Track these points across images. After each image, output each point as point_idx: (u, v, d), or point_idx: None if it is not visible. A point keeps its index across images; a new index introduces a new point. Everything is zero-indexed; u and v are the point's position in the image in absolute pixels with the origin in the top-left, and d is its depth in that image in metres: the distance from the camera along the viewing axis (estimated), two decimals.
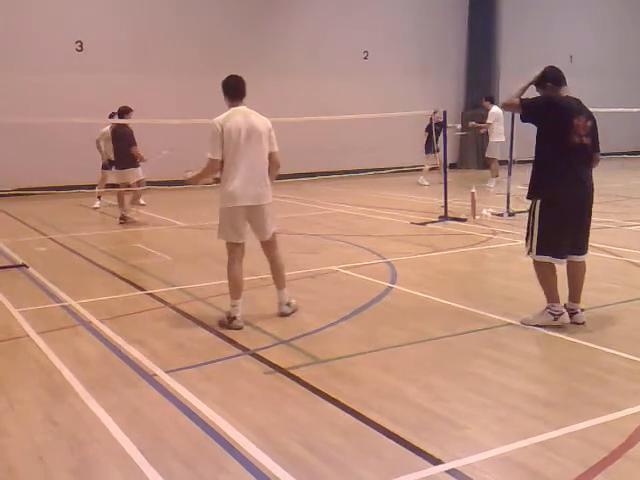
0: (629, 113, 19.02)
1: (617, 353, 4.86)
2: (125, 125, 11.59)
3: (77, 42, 16.57)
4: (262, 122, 5.84)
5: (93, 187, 13.73)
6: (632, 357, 4.78)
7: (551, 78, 5.50)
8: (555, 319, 5.39)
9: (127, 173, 11.72)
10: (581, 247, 5.51)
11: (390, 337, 5.35)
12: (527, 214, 5.56)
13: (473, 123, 17.21)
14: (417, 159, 17.58)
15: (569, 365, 4.75)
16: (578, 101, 5.48)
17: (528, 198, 5.51)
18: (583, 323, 5.51)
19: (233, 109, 5.81)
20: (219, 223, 5.88)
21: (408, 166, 18.17)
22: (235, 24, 17.99)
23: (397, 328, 5.58)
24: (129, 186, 11.73)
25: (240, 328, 5.63)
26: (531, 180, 5.49)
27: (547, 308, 5.43)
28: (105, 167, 13.51)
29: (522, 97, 5.41)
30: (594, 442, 3.57)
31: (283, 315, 5.95)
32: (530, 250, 5.47)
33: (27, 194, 13.97)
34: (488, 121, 15.80)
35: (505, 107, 5.75)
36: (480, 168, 20.01)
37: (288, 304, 6.00)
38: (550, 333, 5.35)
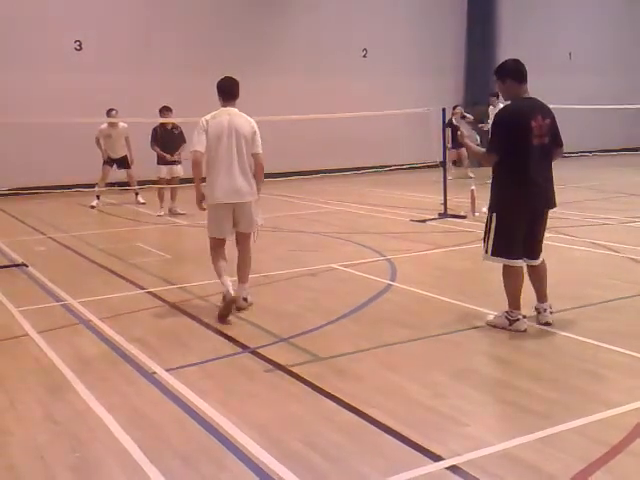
0: (627, 110, 19.03)
1: (617, 349, 4.86)
2: (158, 124, 12.08)
3: (76, 42, 16.55)
4: (247, 123, 6.02)
5: (92, 186, 13.75)
6: (632, 353, 4.78)
7: (512, 74, 5.24)
8: (510, 324, 5.34)
9: (159, 170, 12.21)
10: (534, 252, 5.42)
11: (390, 334, 5.36)
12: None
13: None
14: (417, 157, 17.55)
15: (568, 361, 4.76)
16: (534, 100, 5.29)
17: (489, 209, 5.38)
18: (547, 323, 5.40)
19: (222, 109, 6.04)
20: (207, 219, 6.15)
21: (408, 163, 18.17)
22: (235, 23, 17.94)
23: (397, 325, 5.59)
24: (168, 182, 12.26)
25: (233, 301, 5.71)
26: (491, 188, 5.39)
27: (505, 312, 5.39)
28: (106, 164, 13.64)
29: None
30: (594, 438, 3.58)
31: (239, 309, 5.97)
32: (485, 252, 5.40)
33: (26, 193, 13.97)
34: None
35: (487, 165, 5.43)
36: (480, 165, 19.99)
37: (245, 299, 6.12)
38: (550, 330, 5.35)
